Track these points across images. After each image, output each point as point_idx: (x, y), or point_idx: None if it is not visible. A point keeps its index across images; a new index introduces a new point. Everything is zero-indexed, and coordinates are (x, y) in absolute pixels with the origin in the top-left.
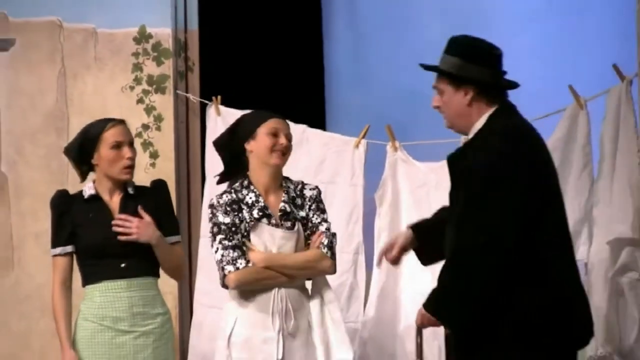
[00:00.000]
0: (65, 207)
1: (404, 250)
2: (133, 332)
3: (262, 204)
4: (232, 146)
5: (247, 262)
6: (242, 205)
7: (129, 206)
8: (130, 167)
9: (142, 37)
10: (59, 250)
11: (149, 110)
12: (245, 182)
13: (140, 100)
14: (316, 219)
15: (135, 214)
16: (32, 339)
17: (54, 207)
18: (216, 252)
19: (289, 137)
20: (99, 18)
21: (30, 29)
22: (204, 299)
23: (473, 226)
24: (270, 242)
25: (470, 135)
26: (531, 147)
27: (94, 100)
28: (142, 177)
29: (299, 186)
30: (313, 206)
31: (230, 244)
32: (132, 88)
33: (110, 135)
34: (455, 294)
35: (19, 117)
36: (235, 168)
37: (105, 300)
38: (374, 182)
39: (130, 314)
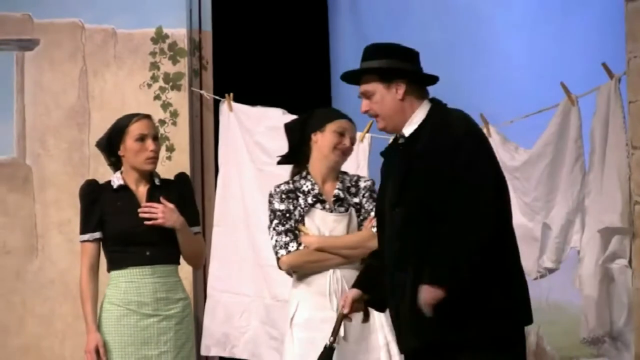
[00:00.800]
0: (95, 196)
1: (357, 302)
2: (157, 315)
3: (317, 191)
4: (300, 133)
5: (299, 245)
6: (298, 193)
7: (155, 196)
8: (154, 159)
9: (159, 37)
10: (87, 236)
11: (165, 106)
12: (304, 173)
13: (157, 97)
14: (369, 205)
15: (161, 204)
16: (55, 322)
17: (83, 195)
18: (271, 238)
19: (353, 141)
20: (119, 19)
21: (54, 29)
22: (217, 284)
23: (469, 190)
24: (322, 225)
25: (410, 128)
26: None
27: (114, 97)
28: (159, 169)
29: (355, 178)
30: (367, 194)
31: (283, 229)
32: (149, 85)
33: (135, 128)
34: (465, 253)
35: (43, 113)
36: (297, 154)
37: (130, 285)
38: (377, 175)
39: (154, 299)
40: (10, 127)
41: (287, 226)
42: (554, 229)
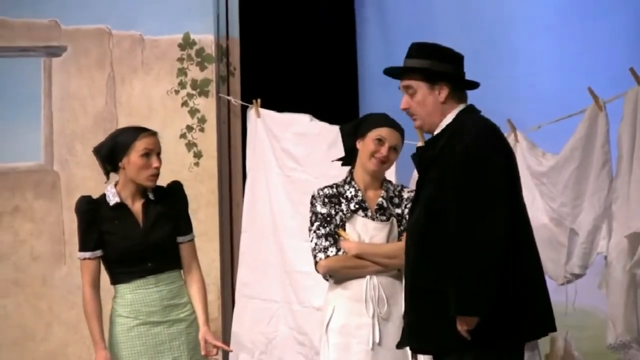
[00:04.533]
0: (93, 214)
1: None
2: (166, 321)
3: (360, 198)
4: (351, 138)
5: (338, 250)
6: (341, 198)
7: (150, 212)
8: (156, 176)
9: (187, 43)
10: (88, 254)
11: (192, 112)
12: (348, 179)
13: (184, 103)
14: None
15: (157, 219)
16: (82, 328)
17: (80, 214)
18: (311, 240)
19: (393, 149)
20: (146, 25)
21: (81, 36)
22: (245, 290)
23: (463, 212)
24: (363, 232)
25: (437, 131)
26: (501, 138)
27: (141, 103)
28: (186, 176)
29: (399, 188)
30: (409, 205)
31: (323, 232)
32: (177, 92)
33: (142, 144)
34: (484, 279)
35: (71, 119)
36: (350, 158)
37: (136, 297)
38: (405, 180)
39: (161, 307)
40: (38, 133)
41: (328, 230)
42: (581, 235)
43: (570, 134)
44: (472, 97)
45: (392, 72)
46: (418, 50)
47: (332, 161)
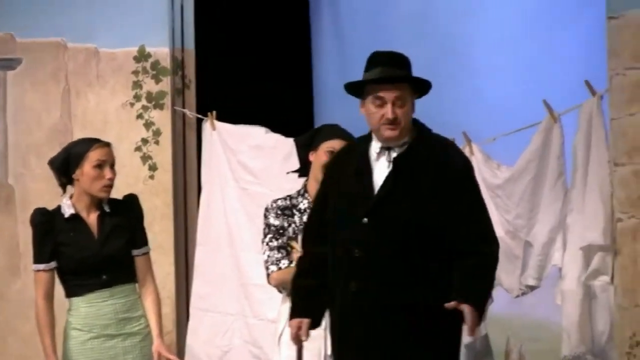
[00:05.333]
0: (48, 226)
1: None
2: (121, 335)
3: None
4: (305, 150)
5: (290, 262)
6: (294, 210)
7: (106, 224)
8: (110, 187)
9: (142, 56)
10: (42, 266)
11: (148, 125)
12: (302, 191)
13: (139, 116)
14: None
15: (112, 231)
16: (38, 341)
17: (35, 225)
18: (264, 253)
19: None
20: (101, 38)
21: (36, 48)
22: (200, 303)
23: (487, 219)
24: None
25: (400, 142)
26: None
27: (96, 116)
28: (142, 189)
29: None
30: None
31: (276, 244)
32: (132, 104)
33: (95, 154)
34: (490, 281)
35: (25, 132)
36: (305, 168)
37: (90, 310)
38: None
39: (115, 320)
40: None
41: (280, 242)
42: (536, 247)
43: (525, 146)
44: (428, 109)
45: (390, 80)
46: (403, 61)
47: (287, 173)
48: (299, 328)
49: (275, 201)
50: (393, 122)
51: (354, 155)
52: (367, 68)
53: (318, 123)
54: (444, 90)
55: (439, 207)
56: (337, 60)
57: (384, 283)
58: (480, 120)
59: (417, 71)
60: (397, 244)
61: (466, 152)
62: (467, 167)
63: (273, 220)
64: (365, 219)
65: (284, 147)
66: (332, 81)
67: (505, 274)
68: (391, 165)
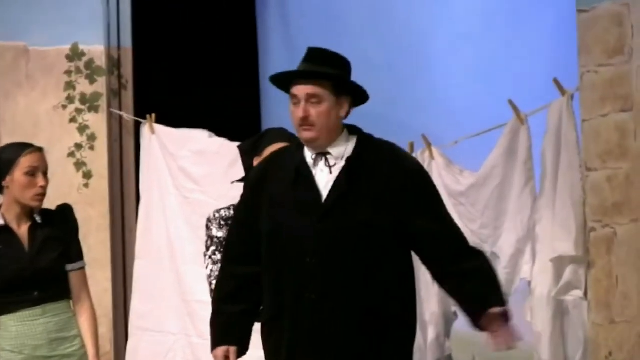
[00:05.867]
0: None
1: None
2: (54, 356)
3: None
4: (250, 156)
5: None
6: None
7: (37, 236)
8: (42, 195)
9: (75, 54)
10: None
11: (82, 129)
12: None
13: (73, 119)
14: None
15: (45, 244)
16: None
17: None
18: (206, 267)
19: None
20: (31, 36)
21: None
22: (139, 321)
23: (451, 217)
24: None
25: (340, 149)
26: None
27: (26, 120)
28: (76, 198)
29: None
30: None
31: (219, 258)
32: (64, 107)
33: (27, 161)
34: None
35: None
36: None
37: (21, 330)
38: None
39: (48, 340)
40: None
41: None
42: (503, 259)
43: (490, 149)
44: (384, 111)
45: (298, 76)
46: (326, 56)
47: (232, 182)
48: (226, 357)
49: (218, 211)
50: (305, 122)
51: (287, 160)
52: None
53: (266, 126)
54: (401, 88)
55: (397, 209)
56: (285, 59)
57: (344, 288)
58: (440, 121)
59: (371, 69)
60: (355, 249)
61: (425, 156)
62: (422, 168)
63: (216, 232)
64: (318, 225)
65: (229, 153)
66: None
67: None
68: (332, 172)
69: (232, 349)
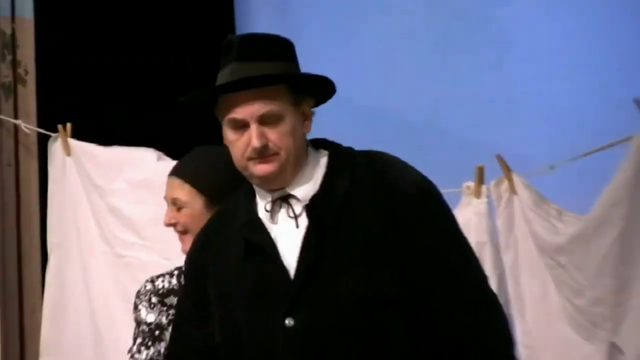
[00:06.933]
0: None
1: None
2: None
3: None
4: None
5: None
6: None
7: None
8: None
9: None
10: None
11: None
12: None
13: None
14: None
15: None
16: None
17: None
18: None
19: (173, 203)
20: None
21: None
22: None
23: (478, 276)
24: None
25: (306, 186)
26: None
27: None
28: None
29: None
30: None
31: (146, 356)
32: None
33: None
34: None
35: None
36: None
37: None
38: None
39: None
40: None
41: (155, 351)
42: (629, 355)
43: (606, 179)
44: (432, 118)
45: (234, 88)
46: (268, 43)
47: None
48: None
49: (152, 280)
50: (264, 152)
51: (230, 225)
52: (220, 67)
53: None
54: (463, 91)
55: (392, 270)
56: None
57: None
58: (524, 136)
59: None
60: (345, 351)
61: (502, 189)
62: (424, 189)
63: (145, 314)
64: (290, 320)
65: None
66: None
67: None
68: (299, 224)
69: None
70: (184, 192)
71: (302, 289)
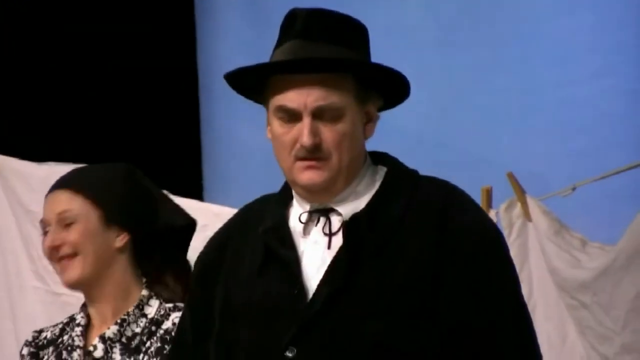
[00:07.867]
0: None
1: None
2: None
3: None
4: None
5: None
6: (62, 351)
7: None
8: None
9: None
10: None
11: None
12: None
13: None
14: None
15: None
16: None
17: None
18: None
19: (59, 220)
20: None
21: None
22: None
23: (530, 339)
24: None
25: (354, 203)
26: None
27: None
28: None
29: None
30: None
31: None
32: None
33: None
34: None
35: None
36: None
37: None
38: None
39: None
40: None
41: None
42: None
43: (636, 201)
44: (436, 132)
45: (293, 68)
46: (337, 25)
47: None
48: None
49: (39, 332)
50: (314, 153)
51: (258, 224)
52: (277, 43)
53: (209, 152)
54: (469, 97)
55: (431, 322)
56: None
57: None
58: (541, 151)
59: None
60: None
61: (514, 214)
62: (492, 239)
63: None
64: (292, 351)
65: None
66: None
67: None
68: (332, 244)
69: None
70: (76, 203)
71: (316, 318)
